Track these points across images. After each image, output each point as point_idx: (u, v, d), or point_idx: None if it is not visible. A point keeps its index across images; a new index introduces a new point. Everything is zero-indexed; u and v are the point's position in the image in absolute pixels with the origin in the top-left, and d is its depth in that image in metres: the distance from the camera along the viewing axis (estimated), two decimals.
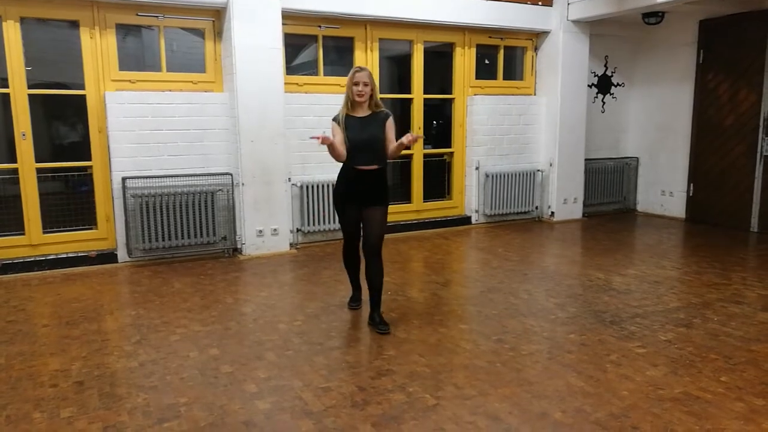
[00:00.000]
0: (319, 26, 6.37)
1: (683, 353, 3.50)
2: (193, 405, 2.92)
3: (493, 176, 7.44)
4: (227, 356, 3.51)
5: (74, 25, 5.44)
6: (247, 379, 3.20)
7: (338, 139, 3.84)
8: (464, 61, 7.35)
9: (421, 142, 7.19)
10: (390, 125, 3.92)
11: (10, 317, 4.24)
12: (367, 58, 6.67)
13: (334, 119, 3.97)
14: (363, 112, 3.90)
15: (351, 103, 3.87)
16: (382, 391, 3.04)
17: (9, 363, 3.44)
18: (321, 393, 3.04)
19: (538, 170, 7.81)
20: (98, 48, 5.50)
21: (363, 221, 3.96)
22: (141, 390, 3.09)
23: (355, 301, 4.39)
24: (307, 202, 6.36)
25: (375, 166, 3.88)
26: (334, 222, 6.48)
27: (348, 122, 3.88)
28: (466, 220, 7.58)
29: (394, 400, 2.95)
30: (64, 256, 5.54)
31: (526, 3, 7.31)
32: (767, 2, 6.36)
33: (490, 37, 7.43)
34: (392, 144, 3.89)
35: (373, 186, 3.90)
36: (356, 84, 3.81)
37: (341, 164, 3.99)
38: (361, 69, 3.85)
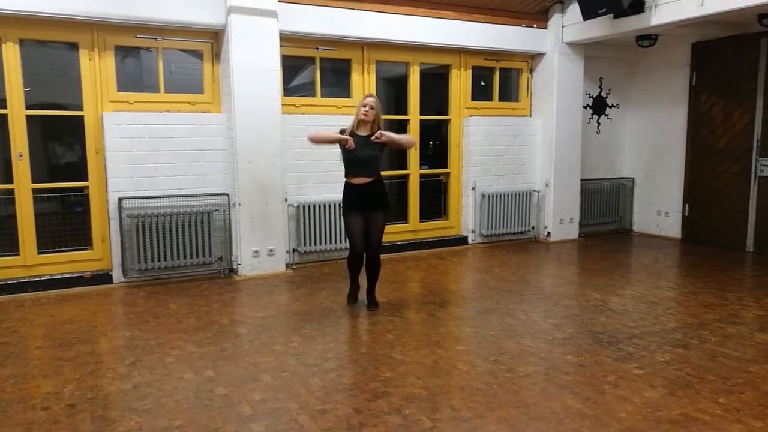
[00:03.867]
0: (317, 48, 6.43)
1: (681, 374, 3.49)
2: (187, 428, 2.89)
3: (489, 196, 7.46)
4: (222, 378, 3.48)
5: (73, 46, 5.49)
6: (242, 402, 3.17)
7: (331, 136, 4.61)
8: (460, 83, 7.42)
9: (416, 156, 7.22)
10: (383, 132, 4.51)
11: (2, 339, 4.20)
12: (364, 80, 6.73)
13: (341, 130, 4.63)
14: (365, 132, 4.56)
15: (358, 121, 4.58)
16: (378, 414, 3.01)
17: (0, 386, 3.40)
18: (317, 415, 3.01)
19: (535, 191, 7.84)
20: (97, 69, 5.54)
21: (366, 227, 4.62)
22: (134, 413, 3.05)
23: (353, 297, 4.96)
24: (304, 223, 6.36)
25: (370, 179, 4.57)
26: (330, 242, 6.48)
27: (354, 138, 4.52)
28: (462, 240, 7.58)
29: (391, 423, 2.92)
30: (59, 276, 5.51)
31: (521, 26, 7.41)
32: (758, 26, 6.45)
33: (485, 59, 7.51)
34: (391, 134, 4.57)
35: (371, 195, 4.60)
36: (364, 106, 4.53)
37: (344, 184, 4.67)
38: (371, 95, 4.61)
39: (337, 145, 4.62)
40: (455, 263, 6.71)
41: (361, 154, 4.52)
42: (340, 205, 4.98)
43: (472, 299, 5.26)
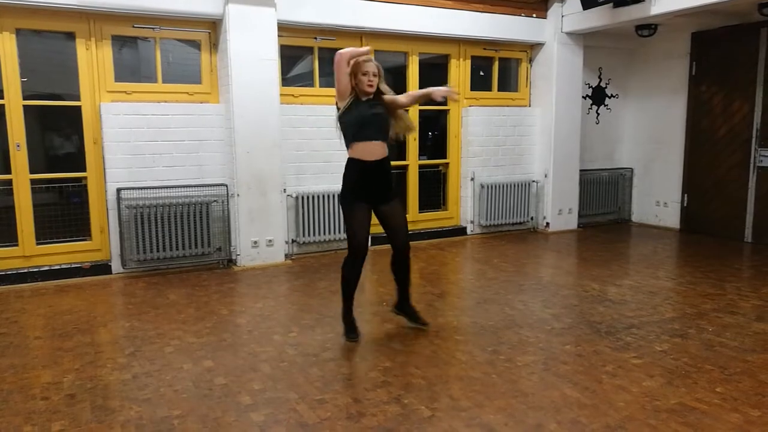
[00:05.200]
0: (315, 38, 6.40)
1: (679, 364, 3.50)
2: (187, 417, 2.90)
3: (488, 187, 7.46)
4: (222, 368, 3.49)
5: (70, 36, 5.45)
6: (241, 391, 3.18)
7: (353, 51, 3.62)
8: (459, 73, 7.39)
9: (415, 146, 7.20)
10: (390, 96, 3.80)
11: (2, 329, 4.21)
12: None
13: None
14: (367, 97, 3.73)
15: (360, 93, 3.67)
16: (377, 403, 3.02)
17: (0, 376, 3.41)
18: (316, 405, 3.02)
19: (533, 181, 7.83)
20: (94, 59, 5.51)
21: (385, 221, 3.80)
22: (134, 402, 3.06)
23: (353, 333, 3.90)
24: (303, 213, 6.35)
25: (382, 151, 3.70)
26: (329, 233, 6.47)
27: (356, 104, 3.69)
28: (461, 231, 7.59)
29: (390, 412, 2.93)
30: (58, 267, 5.51)
31: (520, 15, 7.37)
32: (758, 15, 6.42)
33: (484, 48, 7.48)
34: (407, 97, 3.85)
35: (384, 177, 3.75)
36: (365, 74, 3.62)
37: (347, 163, 3.75)
38: (370, 60, 3.65)
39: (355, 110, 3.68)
40: (454, 254, 6.72)
41: (372, 115, 3.66)
42: (337, 195, 4.06)
43: (470, 289, 5.27)
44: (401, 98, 3.88)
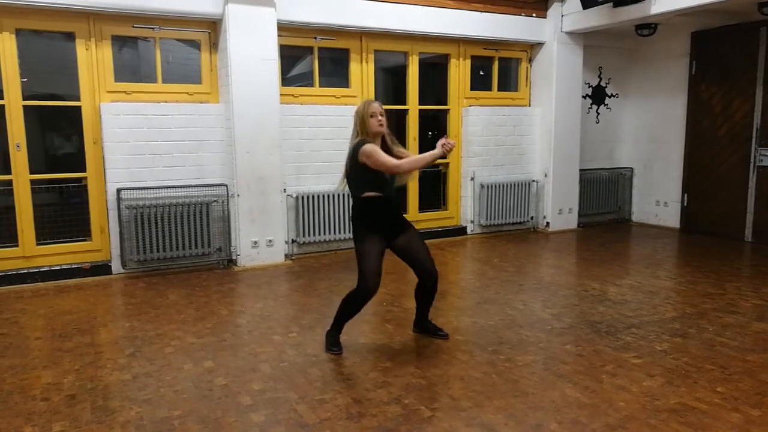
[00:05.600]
0: (315, 38, 6.39)
1: (679, 363, 3.50)
2: (187, 418, 2.90)
3: (488, 187, 7.45)
4: (222, 368, 3.49)
5: (70, 36, 5.45)
6: (241, 392, 3.18)
7: (427, 158, 3.60)
8: (459, 73, 7.39)
9: (415, 146, 7.19)
10: (400, 152, 3.80)
11: (2, 330, 4.21)
12: (363, 70, 6.70)
13: (359, 142, 3.64)
14: (378, 143, 3.69)
15: (370, 135, 3.66)
16: (377, 403, 3.02)
17: (1, 376, 3.41)
18: (316, 405, 3.02)
19: (533, 181, 7.83)
20: (94, 59, 5.51)
21: (406, 250, 3.77)
22: (134, 403, 3.06)
23: (336, 346, 3.78)
24: (303, 213, 6.35)
25: (395, 196, 3.79)
26: (329, 233, 6.47)
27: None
28: (461, 231, 7.59)
29: (390, 412, 2.93)
30: (58, 267, 5.51)
31: (520, 15, 7.37)
32: (758, 14, 6.42)
33: (484, 48, 7.48)
34: (410, 156, 3.71)
35: (398, 212, 3.85)
36: (372, 116, 3.64)
37: (363, 200, 3.68)
38: (373, 101, 3.72)
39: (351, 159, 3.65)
40: (454, 253, 6.72)
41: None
42: (351, 220, 3.83)
43: (471, 289, 5.27)
44: (404, 162, 3.69)
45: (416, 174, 7.21)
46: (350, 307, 3.73)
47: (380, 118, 3.66)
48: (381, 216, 3.69)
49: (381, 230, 3.66)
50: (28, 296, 5.07)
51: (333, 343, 3.78)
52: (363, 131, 3.67)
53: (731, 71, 7.16)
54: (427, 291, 3.90)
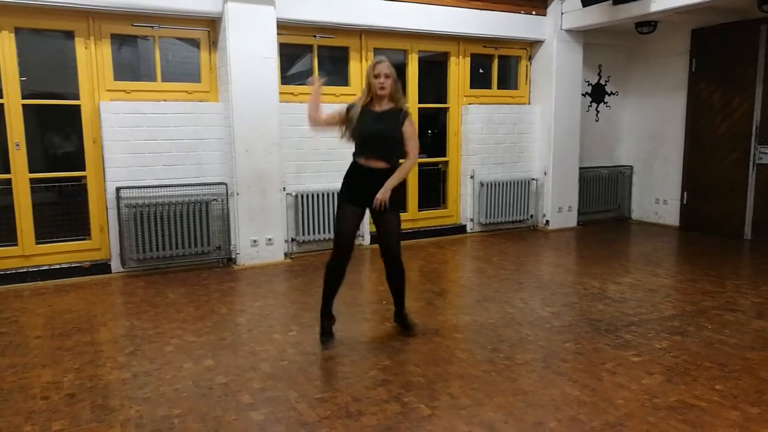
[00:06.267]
0: (314, 36, 6.39)
1: (678, 361, 3.50)
2: (187, 416, 2.90)
3: (488, 185, 7.45)
4: (221, 367, 3.49)
5: (69, 35, 5.45)
6: (241, 390, 3.18)
7: (328, 112, 3.70)
8: (459, 71, 7.38)
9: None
10: (408, 126, 3.68)
11: (2, 329, 4.21)
12: (362, 68, 6.69)
13: (349, 106, 3.74)
14: (382, 107, 3.68)
15: (372, 97, 3.65)
16: (377, 402, 3.03)
17: (0, 375, 3.41)
18: (316, 404, 3.02)
19: (533, 179, 7.83)
20: (93, 58, 5.51)
21: (377, 230, 3.77)
22: (134, 402, 3.06)
23: (326, 335, 3.76)
24: (302, 212, 6.35)
25: (382, 164, 3.65)
26: (328, 231, 6.46)
27: (364, 113, 3.66)
28: (461, 229, 7.58)
29: (389, 411, 2.93)
30: (57, 266, 5.51)
31: (520, 13, 7.36)
32: (758, 11, 6.41)
33: (484, 46, 7.47)
34: (406, 146, 3.69)
35: (376, 186, 3.62)
36: (377, 76, 3.58)
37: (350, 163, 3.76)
38: (381, 60, 3.63)
39: (361, 121, 3.67)
40: (454, 252, 6.72)
41: (371, 129, 3.61)
42: (337, 194, 3.91)
43: (470, 288, 5.27)
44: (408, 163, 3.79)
45: (415, 171, 7.22)
46: (326, 273, 3.78)
47: (381, 80, 3.58)
48: (351, 181, 3.72)
49: (352, 197, 3.69)
50: (27, 295, 5.07)
51: (322, 330, 3.80)
52: (366, 90, 3.65)
53: (731, 69, 7.15)
54: (389, 276, 3.88)
